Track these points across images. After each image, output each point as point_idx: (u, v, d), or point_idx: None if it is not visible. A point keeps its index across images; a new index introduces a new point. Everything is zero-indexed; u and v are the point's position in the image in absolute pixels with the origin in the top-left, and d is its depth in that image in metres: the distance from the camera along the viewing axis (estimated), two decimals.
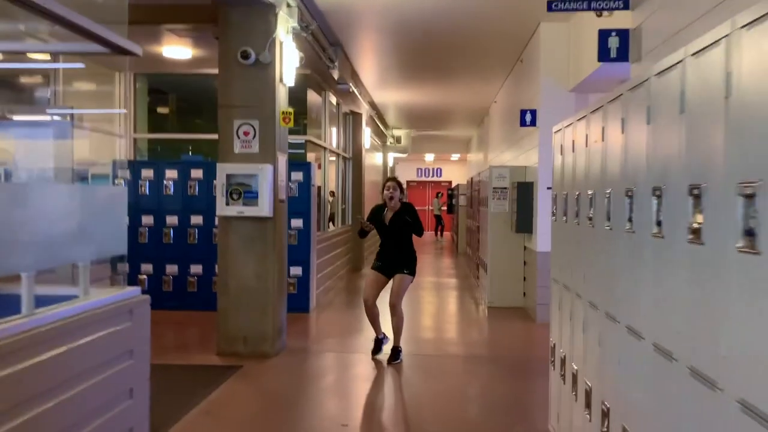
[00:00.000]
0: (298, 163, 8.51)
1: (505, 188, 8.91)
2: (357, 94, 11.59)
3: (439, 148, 25.15)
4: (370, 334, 7.00)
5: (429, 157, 27.82)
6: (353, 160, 13.47)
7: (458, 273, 13.56)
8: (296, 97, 9.79)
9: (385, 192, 6.13)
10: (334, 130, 12.06)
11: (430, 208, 26.81)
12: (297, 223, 8.35)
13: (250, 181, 5.91)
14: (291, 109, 6.31)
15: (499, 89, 12.31)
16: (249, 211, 5.92)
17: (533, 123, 7.95)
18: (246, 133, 6.04)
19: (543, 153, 7.87)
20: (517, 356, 6.52)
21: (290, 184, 8.29)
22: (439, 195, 24.16)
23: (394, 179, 6.40)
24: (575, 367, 3.59)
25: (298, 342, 6.77)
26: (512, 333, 7.60)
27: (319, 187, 11.21)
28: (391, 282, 6.20)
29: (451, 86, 12.38)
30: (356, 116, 13.39)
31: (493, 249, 8.99)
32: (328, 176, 10.73)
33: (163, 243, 8.49)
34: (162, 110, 11.17)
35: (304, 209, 8.35)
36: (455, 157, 27.70)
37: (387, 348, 6.24)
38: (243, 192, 5.91)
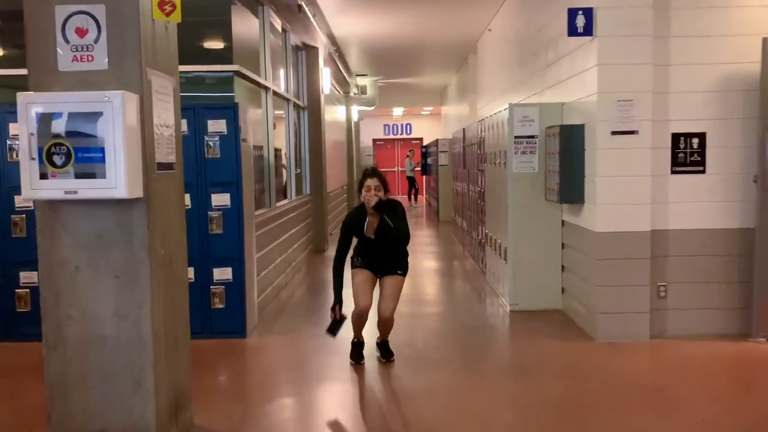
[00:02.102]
0: (217, 106, 5.47)
1: (534, 137, 6.03)
2: (310, 17, 8.50)
3: (409, 100, 22.12)
4: (342, 373, 4.18)
5: (397, 111, 24.76)
6: (310, 111, 10.42)
7: (447, 251, 10.74)
8: (214, 21, 6.70)
9: (365, 193, 4.50)
10: (282, 71, 8.98)
11: (401, 169, 23.89)
12: (221, 200, 5.36)
13: (89, 127, 2.90)
14: None
15: (500, 7, 9.34)
16: (87, 188, 2.93)
17: (588, 31, 5.05)
18: (81, 32, 3.02)
19: (606, 75, 5.01)
20: None
21: (207, 138, 5.32)
22: (411, 153, 21.22)
23: (375, 173, 4.60)
24: None
25: (217, 419, 3.85)
26: (573, 369, 4.81)
27: (277, 149, 8.30)
28: (378, 284, 4.73)
29: (430, 9, 9.40)
30: (311, 51, 10.29)
31: (516, 226, 6.15)
32: (269, 128, 7.69)
33: (12, 237, 5.44)
34: None
35: (231, 177, 5.36)
36: (427, 111, 24.73)
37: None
38: (74, 150, 2.90)
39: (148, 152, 3.10)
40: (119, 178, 2.89)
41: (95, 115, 2.87)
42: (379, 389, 4.30)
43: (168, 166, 3.34)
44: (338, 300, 4.54)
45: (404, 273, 4.71)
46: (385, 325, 4.66)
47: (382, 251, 4.61)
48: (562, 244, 6.08)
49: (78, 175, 2.90)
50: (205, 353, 5.05)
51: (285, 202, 8.54)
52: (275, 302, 6.85)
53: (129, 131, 2.92)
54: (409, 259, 4.76)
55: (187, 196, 5.30)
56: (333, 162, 13.08)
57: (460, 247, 10.78)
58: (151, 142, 3.13)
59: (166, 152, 3.31)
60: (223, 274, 5.40)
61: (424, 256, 10.11)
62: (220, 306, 5.40)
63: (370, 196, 4.44)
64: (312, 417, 3.94)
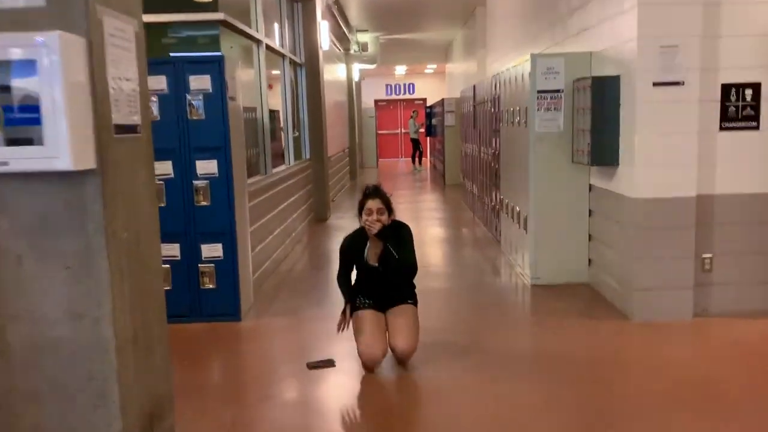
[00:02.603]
0: (200, 59, 4.81)
1: (559, 91, 5.37)
2: None
3: (412, 58, 21.26)
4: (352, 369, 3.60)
5: (400, 70, 23.90)
6: (307, 68, 9.70)
7: (455, 217, 10.16)
8: None
9: (365, 218, 3.82)
10: (276, 25, 8.25)
11: (405, 130, 23.14)
12: (207, 167, 4.75)
13: (19, 80, 2.27)
14: None
15: None
16: (22, 157, 2.31)
17: None
18: None
19: (648, 17, 4.33)
20: None
21: (189, 97, 4.69)
22: (415, 114, 20.45)
23: (377, 192, 3.91)
24: None
25: (204, 425, 3.31)
26: (609, 356, 4.26)
27: (273, 111, 7.67)
28: (388, 318, 3.98)
29: None
30: (308, 3, 9.51)
31: (537, 192, 5.54)
32: (262, 87, 7.00)
33: None
34: None
35: (219, 141, 4.73)
36: (430, 69, 23.86)
37: None
38: (2, 109, 2.28)
39: (102, 112, 2.47)
40: (62, 145, 2.27)
41: (27, 64, 2.24)
42: (392, 386, 3.75)
43: (131, 129, 2.71)
44: (349, 300, 3.93)
45: (414, 303, 4.03)
46: (404, 361, 3.88)
47: (388, 283, 3.93)
48: (590, 211, 5.48)
49: (9, 142, 2.27)
50: (193, 340, 4.51)
51: (282, 168, 7.92)
52: (273, 278, 6.29)
53: (72, 84, 2.29)
54: (415, 283, 4.08)
55: (169, 164, 4.73)
56: (333, 124, 12.41)
57: (469, 213, 10.18)
58: (105, 98, 2.49)
59: (128, 112, 2.68)
60: (212, 250, 4.81)
61: (430, 222, 9.52)
62: (211, 286, 4.84)
63: (372, 221, 3.78)
64: (314, 421, 3.39)
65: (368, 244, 3.91)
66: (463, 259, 7.31)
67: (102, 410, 2.58)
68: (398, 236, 3.86)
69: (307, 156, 9.73)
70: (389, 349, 3.84)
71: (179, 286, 4.81)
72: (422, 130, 19.67)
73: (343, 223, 9.49)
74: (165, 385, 3.02)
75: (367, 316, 3.87)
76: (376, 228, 3.79)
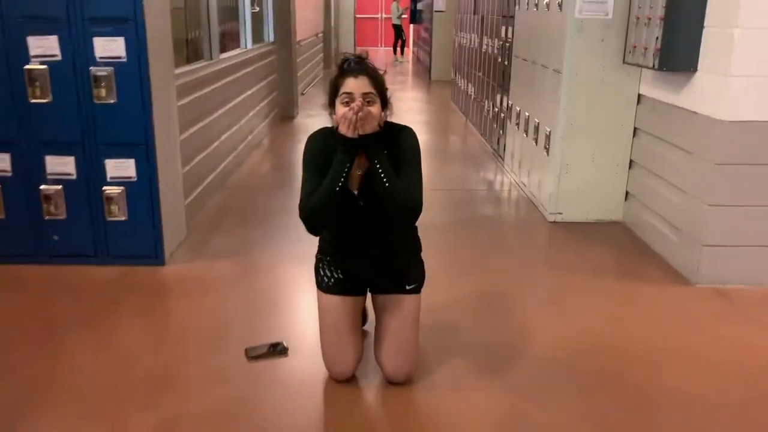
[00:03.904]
0: None
1: None
2: None
3: None
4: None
5: None
6: None
7: (442, 121, 8.75)
8: None
9: (341, 111, 2.18)
10: None
11: (386, 16, 21.01)
12: (110, 47, 3.25)
13: None
14: None
15: None
16: None
17: None
18: None
19: None
20: None
21: None
22: None
23: (364, 68, 2.22)
24: None
25: None
26: (678, 349, 3.08)
27: None
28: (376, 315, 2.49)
29: None
30: None
31: (571, 100, 4.18)
32: None
33: None
34: None
35: (125, 9, 3.22)
36: None
37: None
38: None
39: None
40: None
41: None
42: (370, 397, 2.52)
43: None
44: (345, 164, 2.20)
45: (417, 287, 2.45)
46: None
47: (372, 228, 2.33)
48: (635, 130, 4.17)
49: None
50: (89, 294, 3.22)
51: (236, 52, 6.34)
52: (219, 197, 4.93)
53: None
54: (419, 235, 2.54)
55: (53, 40, 3.24)
56: (304, 3, 10.60)
57: (461, 117, 8.77)
58: None
59: None
60: (121, 168, 3.42)
61: (411, 126, 8.10)
62: (121, 218, 3.48)
63: (356, 110, 2.13)
64: None
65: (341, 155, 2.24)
66: (453, 180, 5.76)
67: None
68: (395, 148, 2.28)
69: (271, 39, 8.09)
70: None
71: (77, 215, 3.46)
72: (405, 15, 17.70)
73: (315, 123, 7.99)
74: None
75: (333, 310, 2.40)
76: (368, 127, 2.17)
